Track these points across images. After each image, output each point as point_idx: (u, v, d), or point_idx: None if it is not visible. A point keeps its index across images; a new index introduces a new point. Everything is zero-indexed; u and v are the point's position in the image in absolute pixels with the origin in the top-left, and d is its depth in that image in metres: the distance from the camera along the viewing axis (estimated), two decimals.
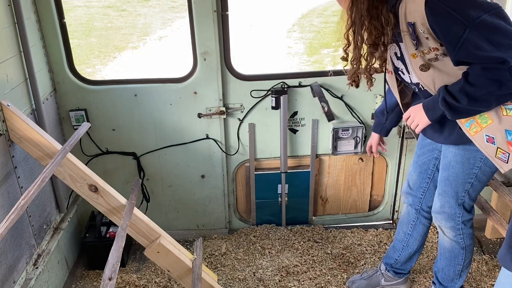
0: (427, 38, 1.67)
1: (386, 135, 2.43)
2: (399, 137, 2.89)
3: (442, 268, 2.30)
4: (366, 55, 1.80)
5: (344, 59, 1.89)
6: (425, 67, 1.76)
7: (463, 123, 1.82)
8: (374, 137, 2.45)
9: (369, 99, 2.80)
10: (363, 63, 1.83)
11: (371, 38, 1.74)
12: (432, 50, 1.69)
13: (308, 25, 11.13)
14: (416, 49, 1.72)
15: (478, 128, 1.80)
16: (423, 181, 2.27)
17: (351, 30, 1.76)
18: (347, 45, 1.82)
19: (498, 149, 1.80)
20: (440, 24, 1.60)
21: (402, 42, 1.76)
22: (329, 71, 2.53)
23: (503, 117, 1.77)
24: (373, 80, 1.92)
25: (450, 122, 1.88)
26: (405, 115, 1.98)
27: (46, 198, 2.44)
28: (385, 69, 1.94)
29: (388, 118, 2.30)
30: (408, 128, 2.04)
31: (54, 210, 2.55)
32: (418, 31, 1.66)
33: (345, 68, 1.93)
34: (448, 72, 1.74)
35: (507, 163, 1.81)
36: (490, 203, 2.73)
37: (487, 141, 1.81)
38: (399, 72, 1.91)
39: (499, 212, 2.68)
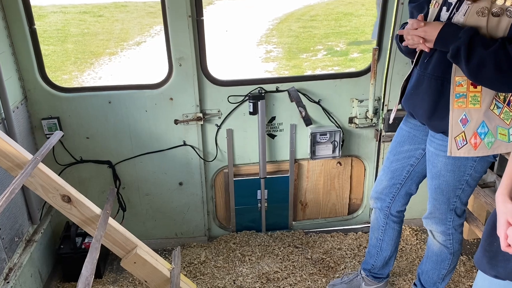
0: None
1: None
2: (376, 141, 2.91)
3: (426, 271, 2.31)
4: None
5: None
6: (482, 13, 1.66)
7: (455, 91, 1.79)
8: None
9: (345, 104, 2.81)
10: None
11: None
12: (508, 1, 1.61)
13: (287, 30, 11.17)
14: None
15: (464, 105, 1.80)
16: (393, 186, 2.27)
17: None
18: None
19: (462, 133, 1.83)
20: None
21: None
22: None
23: (489, 110, 1.79)
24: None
25: (444, 108, 1.85)
26: (416, 24, 1.80)
27: (17, 209, 2.36)
28: None
29: None
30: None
31: (26, 222, 2.47)
32: None
33: None
34: (491, 36, 1.67)
35: (458, 150, 1.85)
36: None
37: (460, 121, 1.82)
38: (444, 6, 1.83)
39: (475, 213, 2.72)
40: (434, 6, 1.88)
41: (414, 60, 2.00)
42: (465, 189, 2.01)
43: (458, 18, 1.75)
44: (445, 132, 1.90)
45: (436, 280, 2.29)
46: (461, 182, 1.99)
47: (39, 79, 2.52)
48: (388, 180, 2.28)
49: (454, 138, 1.84)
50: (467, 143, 1.83)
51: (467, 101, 1.80)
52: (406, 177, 2.22)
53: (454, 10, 1.79)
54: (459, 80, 1.78)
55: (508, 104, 1.79)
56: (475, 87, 1.76)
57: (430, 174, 2.07)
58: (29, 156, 1.97)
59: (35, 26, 2.46)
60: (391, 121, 2.29)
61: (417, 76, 1.96)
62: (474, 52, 1.63)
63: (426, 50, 1.83)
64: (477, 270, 1.47)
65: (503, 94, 1.77)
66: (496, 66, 1.60)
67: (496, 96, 1.78)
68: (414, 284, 2.42)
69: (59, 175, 2.08)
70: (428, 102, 1.91)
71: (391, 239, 2.39)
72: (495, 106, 1.79)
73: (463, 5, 1.75)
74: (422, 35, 1.79)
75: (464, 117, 1.81)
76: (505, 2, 1.63)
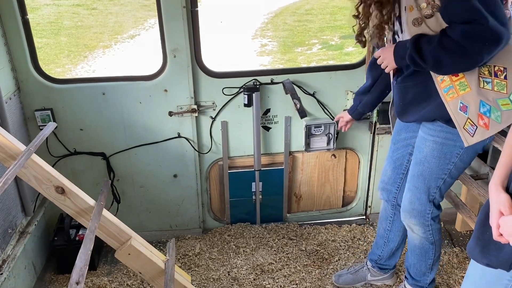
0: None
1: (358, 119, 2.50)
2: (371, 133, 2.91)
3: (413, 264, 2.32)
4: (375, 12, 1.84)
5: (356, 17, 1.94)
6: (418, 22, 1.73)
7: (441, 87, 1.82)
8: (346, 116, 2.53)
9: (340, 96, 2.81)
10: (372, 21, 1.87)
11: None
12: (429, 3, 1.67)
13: (282, 24, 11.15)
14: (415, 1, 1.71)
15: (455, 94, 1.80)
16: (397, 176, 2.28)
17: None
18: (359, 3, 1.88)
19: (468, 120, 1.81)
20: None
21: None
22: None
23: (480, 89, 1.77)
24: (384, 36, 1.94)
25: (428, 100, 1.89)
26: (376, 53, 2.00)
27: (10, 201, 2.35)
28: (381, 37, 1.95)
29: (362, 101, 2.36)
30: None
31: (19, 214, 2.46)
32: None
33: (354, 27, 1.98)
34: (437, 33, 1.71)
35: (472, 136, 1.82)
36: (460, 196, 2.78)
37: (460, 109, 1.81)
38: (395, 36, 1.91)
39: (469, 205, 2.74)
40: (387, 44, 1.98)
41: (391, 80, 2.08)
42: (447, 180, 2.02)
43: (405, 35, 1.83)
44: (438, 119, 1.92)
45: (425, 271, 2.30)
46: (444, 171, 1.99)
47: (32, 70, 2.49)
48: (392, 170, 2.30)
49: (463, 127, 1.83)
50: (477, 127, 1.80)
51: (457, 90, 1.80)
52: (407, 166, 2.23)
53: (401, 33, 1.86)
54: (440, 77, 1.81)
55: (496, 75, 1.76)
56: (457, 76, 1.78)
57: (415, 160, 2.08)
58: (22, 147, 1.96)
59: (28, 17, 2.43)
60: (391, 117, 2.32)
61: (398, 90, 2.02)
62: (424, 52, 1.71)
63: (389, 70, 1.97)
64: (470, 261, 1.48)
65: (486, 68, 1.75)
66: (448, 52, 1.65)
67: (480, 74, 1.76)
68: (405, 277, 2.43)
69: (52, 167, 2.06)
70: (419, 107, 1.95)
71: (399, 230, 2.39)
72: (484, 83, 1.77)
73: (403, 25, 1.82)
74: (382, 59, 1.94)
75: (461, 104, 1.80)
76: (427, 5, 1.68)
